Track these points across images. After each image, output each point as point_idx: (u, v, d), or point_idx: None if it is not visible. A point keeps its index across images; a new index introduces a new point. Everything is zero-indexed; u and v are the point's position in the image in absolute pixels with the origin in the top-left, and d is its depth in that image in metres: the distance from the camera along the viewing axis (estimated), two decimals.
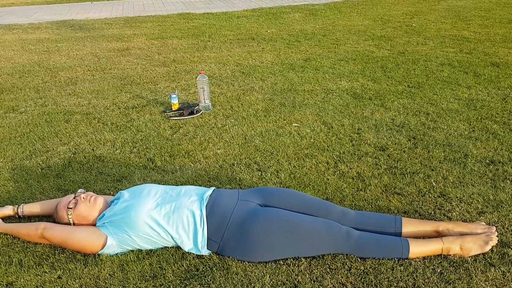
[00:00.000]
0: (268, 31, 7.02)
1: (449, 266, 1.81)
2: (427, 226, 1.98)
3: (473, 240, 1.86)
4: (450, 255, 1.86)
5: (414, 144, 2.95)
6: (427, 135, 3.07)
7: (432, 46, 5.55)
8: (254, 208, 1.94)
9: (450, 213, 2.18)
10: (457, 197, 2.31)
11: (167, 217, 1.91)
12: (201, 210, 1.91)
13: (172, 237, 1.92)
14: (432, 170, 2.61)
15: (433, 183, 2.46)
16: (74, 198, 2.06)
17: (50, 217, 2.23)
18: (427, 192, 2.38)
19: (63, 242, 1.97)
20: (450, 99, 3.73)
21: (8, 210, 2.26)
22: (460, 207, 2.22)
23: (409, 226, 1.97)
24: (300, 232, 1.86)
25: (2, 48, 6.47)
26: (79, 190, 2.11)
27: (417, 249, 1.85)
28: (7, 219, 2.27)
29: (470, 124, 3.21)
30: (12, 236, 2.11)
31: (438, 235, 1.96)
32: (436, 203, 2.28)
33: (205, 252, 1.91)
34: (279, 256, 1.87)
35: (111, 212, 1.97)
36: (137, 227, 1.90)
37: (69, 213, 2.02)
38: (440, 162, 2.69)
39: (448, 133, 3.09)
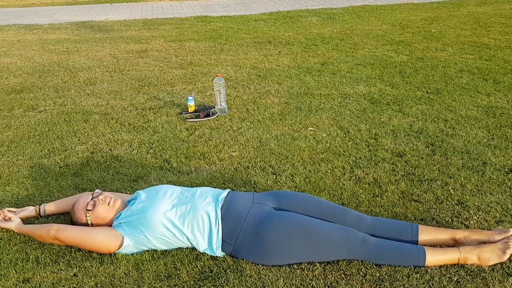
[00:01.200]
0: (285, 34, 7.02)
1: (466, 275, 1.79)
2: (444, 234, 1.95)
3: (491, 250, 1.83)
4: (467, 264, 1.83)
5: (432, 150, 2.92)
6: (446, 142, 3.03)
7: (451, 52, 5.50)
8: (269, 212, 1.94)
9: (467, 221, 2.15)
10: (475, 205, 2.28)
11: (182, 218, 1.91)
12: (216, 212, 1.92)
13: (187, 238, 1.92)
14: (450, 177, 2.58)
15: (451, 190, 2.43)
16: (92, 199, 2.06)
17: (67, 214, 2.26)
18: (444, 200, 2.34)
19: (79, 244, 1.96)
20: (469, 106, 3.69)
21: (30, 212, 2.28)
22: (478, 216, 2.19)
23: (425, 233, 1.95)
24: (315, 237, 1.85)
25: (23, 47, 6.58)
26: (96, 190, 2.11)
27: (433, 258, 1.83)
28: (29, 219, 2.30)
29: (489, 132, 3.17)
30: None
31: (455, 243, 1.94)
32: (454, 211, 2.25)
33: (219, 253, 1.91)
34: (294, 261, 1.86)
35: (128, 212, 1.98)
36: (153, 227, 1.91)
37: (88, 215, 2.02)
38: (458, 170, 2.66)
39: (467, 141, 3.04)
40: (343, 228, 1.89)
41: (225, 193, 2.04)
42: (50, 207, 2.28)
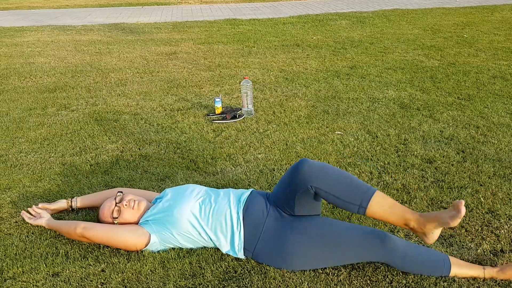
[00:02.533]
0: (314, 37, 7.00)
1: (495, 285, 1.74)
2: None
3: None
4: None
5: (463, 157, 2.86)
6: (477, 149, 2.96)
7: (484, 58, 5.37)
8: (287, 222, 1.89)
9: (498, 231, 2.09)
10: (506, 214, 2.22)
11: (206, 219, 1.93)
12: (238, 213, 1.92)
13: (210, 239, 1.94)
14: (481, 185, 2.51)
15: (481, 198, 2.37)
16: (116, 205, 2.07)
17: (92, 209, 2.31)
18: (474, 208, 2.29)
19: (105, 242, 2.00)
20: (501, 113, 3.59)
21: (62, 204, 2.34)
22: (509, 225, 2.13)
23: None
24: (338, 245, 1.81)
25: (57, 48, 6.77)
26: (117, 193, 2.12)
27: (457, 271, 1.79)
28: (61, 213, 2.36)
29: None
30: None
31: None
32: (484, 219, 2.19)
33: (241, 255, 1.91)
34: (315, 267, 1.85)
35: (155, 210, 2.01)
36: (179, 225, 1.93)
37: (116, 222, 2.06)
38: (489, 178, 2.59)
39: (499, 148, 2.97)
40: (368, 234, 1.82)
41: (247, 193, 2.02)
42: (82, 201, 2.34)
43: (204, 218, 1.93)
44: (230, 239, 1.92)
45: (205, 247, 2.00)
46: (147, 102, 4.14)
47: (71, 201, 2.34)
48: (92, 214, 2.33)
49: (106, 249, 2.03)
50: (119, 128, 3.54)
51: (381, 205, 1.70)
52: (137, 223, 2.06)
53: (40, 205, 2.31)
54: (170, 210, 1.95)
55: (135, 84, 4.76)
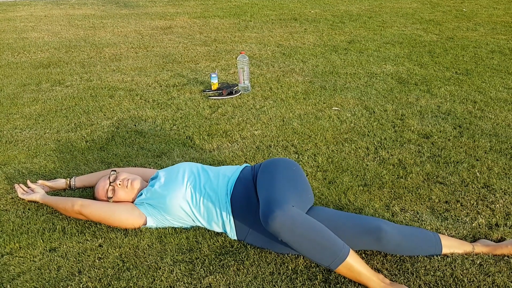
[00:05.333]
0: (312, 11, 6.90)
1: (489, 258, 1.76)
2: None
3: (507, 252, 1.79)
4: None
5: (460, 132, 2.85)
6: (474, 124, 2.96)
7: (482, 33, 5.31)
8: None
9: (493, 205, 2.10)
10: (501, 189, 2.23)
11: (198, 207, 1.91)
12: (226, 203, 1.89)
13: (203, 225, 1.95)
14: (477, 160, 2.52)
15: (477, 173, 2.38)
16: (110, 184, 2.05)
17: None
18: (470, 183, 2.30)
19: (102, 220, 2.00)
20: (499, 88, 3.58)
21: (61, 183, 2.33)
22: (504, 199, 2.14)
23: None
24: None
25: (50, 22, 6.66)
26: (111, 172, 2.10)
27: (448, 250, 1.80)
28: (57, 191, 2.36)
29: None
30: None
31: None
32: (479, 194, 2.20)
33: (235, 238, 1.91)
34: None
35: (149, 193, 1.98)
36: (172, 212, 1.93)
37: (110, 201, 2.05)
38: (485, 152, 2.60)
39: (496, 123, 2.96)
40: (358, 230, 1.77)
41: (234, 177, 1.97)
42: (80, 181, 2.32)
43: (196, 207, 1.92)
44: (222, 226, 1.92)
45: None
46: (142, 78, 4.10)
47: (70, 181, 2.33)
48: (89, 190, 2.33)
49: (103, 224, 2.04)
50: (114, 104, 3.51)
51: (350, 270, 1.63)
52: (132, 201, 2.05)
53: (39, 181, 2.31)
54: (163, 198, 1.93)
55: (130, 60, 4.70)
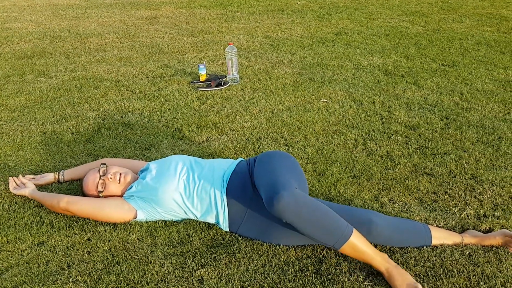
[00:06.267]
0: (298, 2, 6.88)
1: (478, 249, 1.78)
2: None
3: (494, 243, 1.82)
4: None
5: (447, 124, 2.88)
6: (460, 115, 2.99)
7: (468, 24, 5.36)
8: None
9: (481, 196, 2.13)
10: (489, 180, 2.26)
11: (191, 199, 1.89)
12: (221, 194, 1.87)
13: (196, 217, 1.93)
14: (464, 151, 2.55)
15: (465, 164, 2.41)
16: (100, 178, 2.02)
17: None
18: (458, 174, 2.33)
19: (92, 216, 1.96)
20: (485, 79, 3.61)
21: (49, 178, 2.29)
22: (491, 190, 2.17)
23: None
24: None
25: (33, 12, 6.52)
26: (101, 165, 2.06)
27: (438, 241, 1.82)
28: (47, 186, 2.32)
29: (506, 106, 3.11)
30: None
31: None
32: (467, 185, 2.23)
33: (227, 229, 1.91)
34: (302, 244, 1.84)
35: (139, 186, 1.95)
36: (164, 204, 1.90)
37: (101, 195, 2.02)
38: (472, 144, 2.63)
39: (482, 114, 3.00)
40: (353, 220, 1.78)
41: (230, 169, 1.96)
42: (69, 175, 2.29)
43: (189, 198, 1.89)
44: (215, 217, 1.90)
45: None
46: (128, 69, 4.04)
47: (58, 175, 2.30)
48: (75, 184, 2.30)
49: None
50: (100, 96, 3.46)
51: (354, 250, 1.65)
52: (121, 195, 2.03)
53: (27, 177, 2.27)
54: (155, 190, 1.91)
55: (115, 50, 4.63)
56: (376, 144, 2.65)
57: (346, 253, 1.66)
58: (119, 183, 2.01)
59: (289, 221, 1.61)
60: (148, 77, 3.84)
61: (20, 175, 2.27)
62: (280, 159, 1.89)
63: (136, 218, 1.95)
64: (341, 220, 1.65)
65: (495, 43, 4.56)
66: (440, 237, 1.82)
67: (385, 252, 1.78)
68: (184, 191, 1.90)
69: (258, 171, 1.85)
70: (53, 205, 2.02)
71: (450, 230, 1.91)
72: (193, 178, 1.93)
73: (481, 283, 1.61)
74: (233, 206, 1.87)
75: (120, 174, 2.02)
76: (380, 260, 1.66)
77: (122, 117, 3.09)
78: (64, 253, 1.82)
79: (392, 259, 1.74)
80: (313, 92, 3.44)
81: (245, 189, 1.88)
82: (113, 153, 2.60)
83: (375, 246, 1.81)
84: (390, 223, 1.79)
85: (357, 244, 1.64)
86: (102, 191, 2.00)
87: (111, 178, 2.01)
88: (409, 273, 1.66)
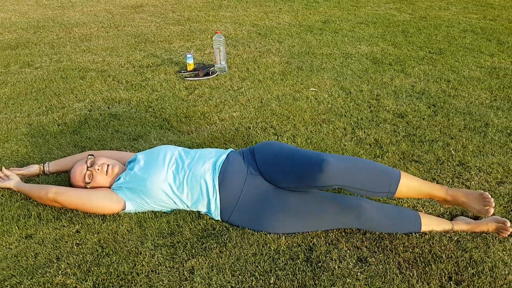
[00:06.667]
0: None
1: (467, 235, 1.81)
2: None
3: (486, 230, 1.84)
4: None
5: (434, 111, 2.90)
6: (448, 102, 3.01)
7: (454, 12, 5.38)
8: (265, 192, 1.85)
9: (468, 182, 2.15)
10: (476, 166, 2.28)
11: (181, 187, 1.88)
12: (213, 181, 1.87)
13: (187, 206, 1.91)
14: (452, 138, 2.57)
15: (452, 151, 2.43)
16: (87, 169, 1.99)
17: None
18: (445, 161, 2.35)
19: (80, 207, 1.94)
20: (472, 66, 3.64)
21: (35, 169, 2.26)
22: (479, 176, 2.20)
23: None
24: (315, 218, 1.81)
25: (17, 2, 6.39)
26: (88, 156, 2.04)
27: (427, 228, 1.83)
28: (32, 178, 2.29)
29: (492, 93, 3.14)
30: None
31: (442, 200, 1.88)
32: (455, 171, 2.25)
33: (218, 218, 1.90)
34: (293, 231, 1.85)
35: (127, 177, 1.94)
36: (153, 195, 1.89)
37: (88, 186, 2.00)
38: (460, 131, 2.65)
39: (469, 102, 3.02)
40: (338, 208, 1.82)
41: (222, 158, 1.95)
42: (54, 166, 2.26)
43: (179, 187, 1.88)
44: (206, 205, 1.89)
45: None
46: (114, 58, 3.99)
47: (44, 166, 2.26)
48: (62, 175, 2.27)
49: (80, 210, 1.99)
50: (85, 86, 3.41)
51: (409, 187, 1.74)
52: (109, 186, 2.01)
53: (11, 169, 2.24)
54: (143, 180, 1.89)
55: (101, 39, 4.57)
56: (364, 132, 2.66)
57: (404, 194, 1.74)
58: (106, 174, 1.99)
59: (342, 182, 1.69)
60: (134, 67, 3.80)
61: (3, 167, 2.24)
62: (284, 145, 1.95)
63: (124, 209, 1.94)
64: (385, 166, 1.76)
65: (481, 30, 4.59)
66: (430, 223, 1.84)
67: (374, 239, 1.80)
68: (173, 180, 1.89)
69: (278, 160, 1.86)
70: (40, 196, 1.99)
71: (439, 216, 1.93)
72: (183, 167, 1.92)
73: (469, 268, 1.63)
74: (225, 194, 1.86)
75: (108, 166, 2.00)
76: (438, 188, 1.76)
77: (109, 107, 3.05)
78: (53, 245, 1.80)
79: (381, 246, 1.75)
80: (302, 81, 3.43)
81: (239, 177, 1.88)
82: (100, 144, 2.58)
83: (364, 232, 1.83)
84: (379, 209, 1.81)
85: (410, 180, 1.74)
86: (89, 182, 1.98)
87: (98, 170, 1.99)
88: (398, 260, 1.68)
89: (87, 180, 1.98)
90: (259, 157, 1.91)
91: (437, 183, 2.16)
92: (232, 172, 1.88)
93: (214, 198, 1.86)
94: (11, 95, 3.26)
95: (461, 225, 1.85)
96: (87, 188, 1.99)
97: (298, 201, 1.82)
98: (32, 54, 4.15)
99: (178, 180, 1.89)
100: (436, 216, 1.93)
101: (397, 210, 1.85)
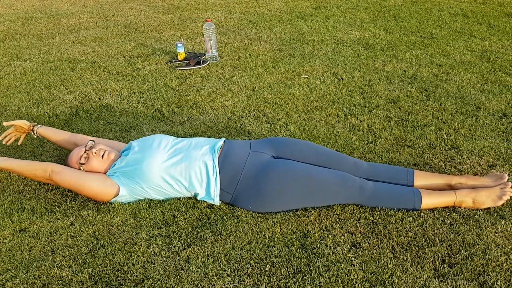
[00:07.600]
0: None
1: (459, 218, 1.82)
2: (439, 180, 1.97)
3: (486, 194, 1.86)
4: (461, 207, 1.87)
5: (426, 96, 2.91)
6: (439, 87, 3.02)
7: None
8: (268, 160, 1.93)
9: (461, 166, 2.17)
10: (468, 150, 2.30)
11: (179, 168, 1.89)
12: (213, 161, 1.90)
13: (185, 188, 1.91)
14: (444, 122, 2.58)
15: (445, 135, 2.44)
16: (85, 152, 2.00)
17: (61, 149, 2.26)
18: (438, 145, 2.36)
19: (74, 188, 1.94)
20: (463, 50, 3.64)
21: (25, 122, 2.27)
22: (471, 160, 2.21)
23: (421, 179, 1.97)
24: (314, 184, 1.85)
25: None
26: (89, 142, 2.06)
27: (429, 201, 1.85)
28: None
29: (483, 77, 3.15)
30: (13, 173, 2.09)
31: (450, 188, 1.96)
32: (447, 155, 2.26)
33: (217, 202, 1.92)
34: (292, 207, 1.88)
35: (122, 162, 1.95)
36: (150, 179, 1.89)
37: (82, 168, 1.99)
38: (452, 115, 2.66)
39: (461, 86, 3.03)
40: (340, 174, 1.89)
41: (221, 142, 2.01)
42: (43, 130, 2.26)
43: (177, 168, 1.89)
44: (205, 187, 1.90)
45: (177, 197, 1.98)
46: (104, 49, 3.95)
47: (33, 126, 2.27)
48: (57, 155, 2.26)
49: (73, 202, 1.99)
50: (76, 77, 3.38)
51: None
52: (105, 172, 2.01)
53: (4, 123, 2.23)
54: (139, 164, 1.90)
55: (90, 30, 4.51)
56: (357, 118, 2.67)
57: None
58: (102, 158, 1.99)
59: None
60: (124, 57, 3.76)
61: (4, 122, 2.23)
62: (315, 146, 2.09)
63: (118, 194, 1.93)
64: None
65: (472, 14, 4.59)
66: (430, 194, 1.89)
67: (368, 225, 1.81)
68: (170, 163, 1.90)
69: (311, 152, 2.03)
70: (36, 174, 1.96)
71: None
72: (180, 150, 1.95)
73: (462, 251, 1.65)
74: (228, 172, 1.90)
75: (105, 151, 2.02)
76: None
77: (100, 99, 3.03)
78: (47, 238, 1.80)
79: (374, 231, 1.77)
80: (294, 68, 3.42)
81: (241, 155, 1.93)
82: (92, 136, 2.56)
83: (358, 218, 1.84)
84: (379, 183, 1.94)
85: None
86: (84, 164, 1.98)
87: (95, 153, 2.00)
88: (392, 244, 1.70)
89: (82, 161, 1.98)
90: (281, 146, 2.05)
91: (430, 167, 2.18)
92: (234, 150, 1.96)
93: (214, 177, 1.88)
94: (1, 88, 3.23)
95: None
96: (81, 170, 1.99)
97: (300, 166, 1.90)
98: (21, 46, 4.10)
99: (176, 163, 1.89)
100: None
101: (396, 185, 1.93)
